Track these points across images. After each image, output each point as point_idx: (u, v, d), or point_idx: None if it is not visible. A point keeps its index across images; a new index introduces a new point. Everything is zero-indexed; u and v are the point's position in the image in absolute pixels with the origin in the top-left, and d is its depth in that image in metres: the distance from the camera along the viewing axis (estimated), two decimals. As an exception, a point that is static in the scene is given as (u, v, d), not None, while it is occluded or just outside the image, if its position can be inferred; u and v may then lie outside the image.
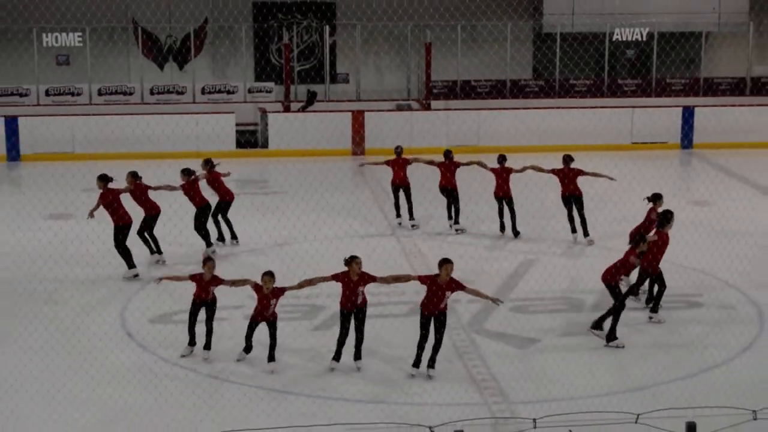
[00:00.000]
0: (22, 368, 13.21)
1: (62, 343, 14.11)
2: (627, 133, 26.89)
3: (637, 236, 14.76)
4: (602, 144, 26.20)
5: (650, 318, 14.84)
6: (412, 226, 20.54)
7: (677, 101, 28.69)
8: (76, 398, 12.28)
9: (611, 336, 13.91)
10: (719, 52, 31.48)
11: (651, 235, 14.76)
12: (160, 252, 17.87)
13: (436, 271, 12.58)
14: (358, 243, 18.67)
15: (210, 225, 18.69)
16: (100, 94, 28.77)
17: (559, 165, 19.36)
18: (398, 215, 20.77)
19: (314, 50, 30.55)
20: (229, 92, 29.14)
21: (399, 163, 20.42)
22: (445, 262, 12.59)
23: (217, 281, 13.20)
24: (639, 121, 27.08)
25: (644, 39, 30.12)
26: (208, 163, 18.83)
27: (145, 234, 17.62)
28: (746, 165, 24.69)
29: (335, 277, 12.96)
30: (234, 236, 19.15)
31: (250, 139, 26.59)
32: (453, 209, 20.36)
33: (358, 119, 25.04)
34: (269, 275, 12.88)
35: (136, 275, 17.00)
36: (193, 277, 13.26)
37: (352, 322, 12.96)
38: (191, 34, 29.95)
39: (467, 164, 20.26)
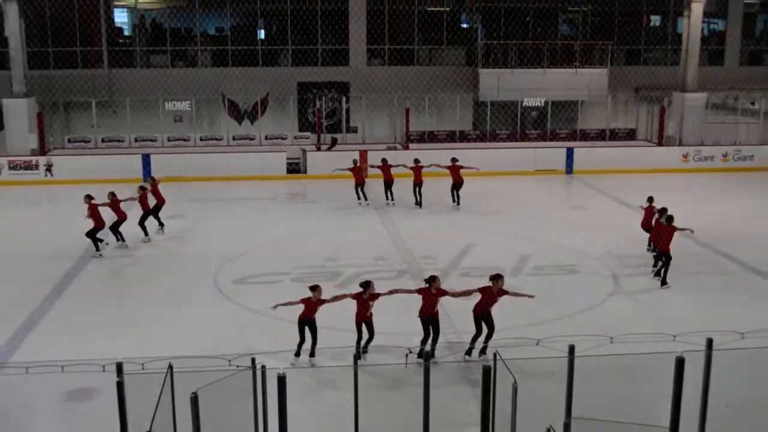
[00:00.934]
0: (148, 311, 13.25)
1: (174, 295, 14.15)
2: (531, 163, 26.86)
3: (663, 214, 14.86)
4: (516, 170, 26.25)
5: (662, 286, 14.30)
6: (366, 203, 21.34)
7: (563, 144, 28.65)
8: (185, 331, 12.32)
9: (664, 282, 14.18)
10: (589, 113, 31.52)
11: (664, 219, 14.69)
12: (124, 240, 16.97)
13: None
14: (363, 233, 18.70)
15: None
16: (201, 140, 28.72)
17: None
18: (366, 199, 21.48)
19: (336, 112, 30.53)
20: (282, 138, 29.11)
21: (358, 170, 21.48)
22: (498, 278, 11.03)
23: (323, 302, 10.94)
24: (539, 156, 27.06)
25: (542, 105, 30.17)
26: (153, 179, 18.34)
27: (114, 231, 16.78)
28: (607, 184, 24.75)
29: (419, 291, 11.06)
30: (161, 225, 18.15)
31: (295, 167, 26.55)
32: (391, 195, 21.29)
33: (363, 155, 24.98)
34: (371, 284, 10.95)
35: (100, 255, 16.26)
36: (303, 300, 10.89)
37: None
38: (258, 102, 29.98)
39: (396, 166, 21.29)
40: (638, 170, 26.68)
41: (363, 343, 10.93)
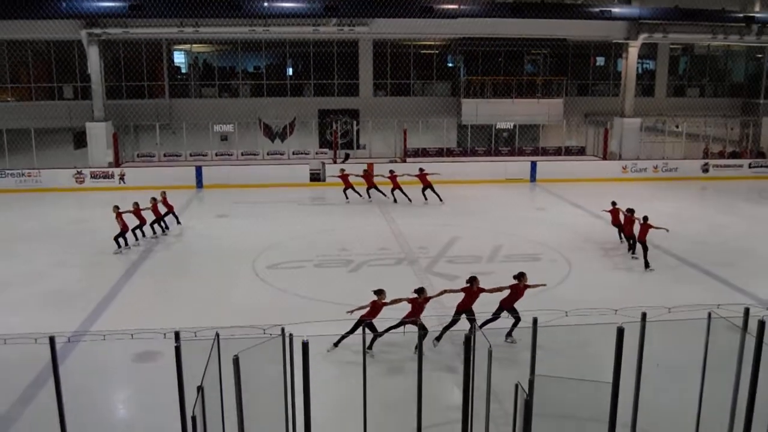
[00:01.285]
0: (200, 290, 13.22)
1: (221, 277, 14.12)
2: (503, 173, 26.82)
3: (632, 212, 15.34)
4: (490, 179, 26.22)
5: (646, 269, 14.35)
6: (368, 200, 21.91)
7: (528, 158, 28.57)
8: (229, 306, 12.27)
9: (647, 265, 14.30)
10: (549, 133, 31.38)
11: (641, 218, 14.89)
12: (144, 236, 16.94)
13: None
14: (369, 229, 18.64)
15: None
16: (242, 155, 28.67)
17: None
18: (363, 195, 22.08)
19: (348, 133, 30.42)
20: (306, 154, 29.03)
21: (345, 177, 21.92)
22: (522, 275, 10.51)
23: (385, 304, 9.89)
24: (509, 167, 27.01)
25: (512, 127, 30.07)
26: (163, 193, 18.08)
27: (135, 231, 16.58)
28: (563, 190, 24.71)
29: (463, 289, 10.37)
30: (178, 222, 18.16)
31: (316, 177, 26.50)
32: (368, 194, 21.99)
33: (370, 167, 24.92)
34: (424, 289, 10.13)
35: (120, 252, 15.86)
36: (372, 303, 9.84)
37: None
38: (287, 125, 29.84)
39: (376, 175, 22.16)
40: (587, 179, 26.63)
41: (417, 340, 9.67)
